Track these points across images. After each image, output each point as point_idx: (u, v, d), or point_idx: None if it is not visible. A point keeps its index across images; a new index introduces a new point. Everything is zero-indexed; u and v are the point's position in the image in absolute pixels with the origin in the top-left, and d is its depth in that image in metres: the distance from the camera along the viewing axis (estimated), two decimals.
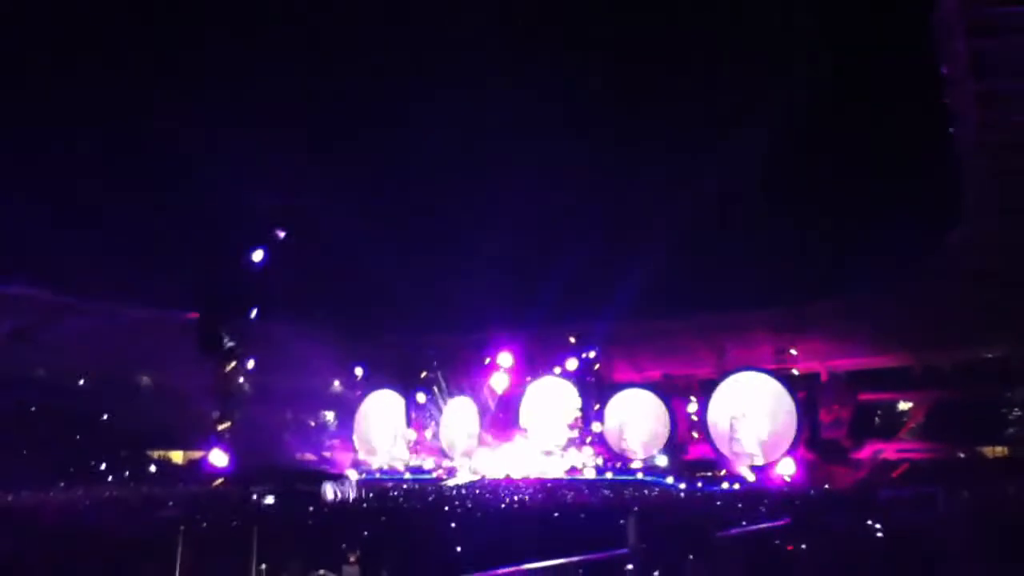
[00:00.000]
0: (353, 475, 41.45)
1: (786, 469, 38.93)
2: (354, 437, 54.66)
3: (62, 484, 34.13)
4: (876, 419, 45.53)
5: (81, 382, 45.36)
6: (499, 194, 44.05)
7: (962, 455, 38.71)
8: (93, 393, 44.69)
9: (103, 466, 40.15)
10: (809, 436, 40.94)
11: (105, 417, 44.39)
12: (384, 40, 42.81)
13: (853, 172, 40.65)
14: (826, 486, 34.41)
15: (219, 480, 30.10)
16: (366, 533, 17.37)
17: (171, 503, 26.13)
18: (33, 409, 42.29)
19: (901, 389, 44.72)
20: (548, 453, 47.71)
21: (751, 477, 39.14)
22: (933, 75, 25.00)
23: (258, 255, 32.83)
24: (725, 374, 44.81)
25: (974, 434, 39.38)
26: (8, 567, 12.27)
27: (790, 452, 39.97)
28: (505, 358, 51.32)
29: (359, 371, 54.83)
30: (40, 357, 43.57)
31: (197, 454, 41.95)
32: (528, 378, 51.73)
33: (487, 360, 51.77)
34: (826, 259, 40.02)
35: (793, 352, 43.04)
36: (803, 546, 9.67)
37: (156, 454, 46.11)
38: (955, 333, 39.48)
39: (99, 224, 38.25)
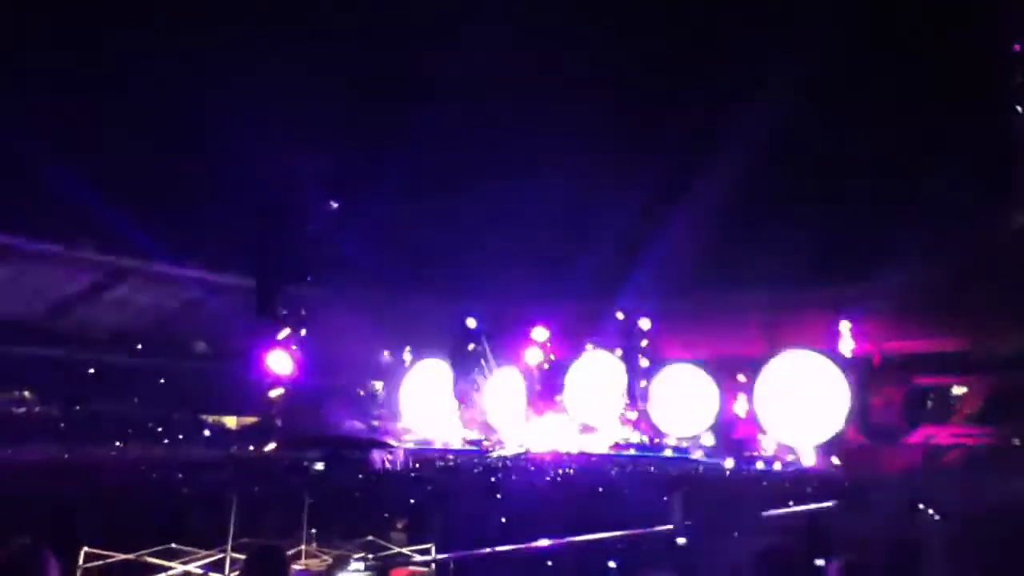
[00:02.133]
0: (400, 444, 42.04)
1: (835, 451, 38.52)
2: (401, 407, 55.32)
3: (119, 443, 35.22)
4: (929, 403, 44.69)
5: (139, 345, 46.53)
6: (547, 165, 43.77)
7: (1018, 442, 37.83)
8: (151, 356, 45.85)
9: (159, 428, 41.28)
10: (860, 419, 40.40)
11: (162, 380, 45.53)
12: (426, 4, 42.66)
13: (914, 146, 39.49)
14: (875, 469, 33.96)
15: (271, 445, 30.77)
16: (412, 501, 17.66)
17: (225, 466, 26.82)
18: (91, 371, 43.58)
19: (957, 373, 43.67)
20: (593, 428, 47.82)
21: (799, 458, 38.83)
22: (997, 50, 24.29)
23: (314, 224, 33.29)
24: (775, 353, 44.33)
25: None
26: (69, 520, 12.72)
27: (839, 434, 39.50)
28: (551, 331, 51.38)
29: (408, 343, 55.44)
30: (101, 318, 44.85)
31: (250, 419, 42.88)
32: (575, 352, 51.76)
33: (533, 333, 51.89)
34: (882, 238, 39.05)
35: (847, 333, 42.34)
36: (850, 527, 9.63)
37: (210, 418, 47.22)
38: (1015, 317, 38.44)
39: (161, 190, 38.99)
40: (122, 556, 10.84)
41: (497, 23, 39.54)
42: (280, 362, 32.70)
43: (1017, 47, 23.18)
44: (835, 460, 37.90)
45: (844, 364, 42.03)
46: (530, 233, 44.89)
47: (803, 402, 42.00)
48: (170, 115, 40.49)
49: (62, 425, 38.98)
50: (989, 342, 41.92)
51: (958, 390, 44.36)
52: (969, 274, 36.83)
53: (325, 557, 12.36)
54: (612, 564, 9.52)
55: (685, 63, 43.02)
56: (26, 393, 42.28)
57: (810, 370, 42.49)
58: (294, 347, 34.01)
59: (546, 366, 51.80)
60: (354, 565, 10.37)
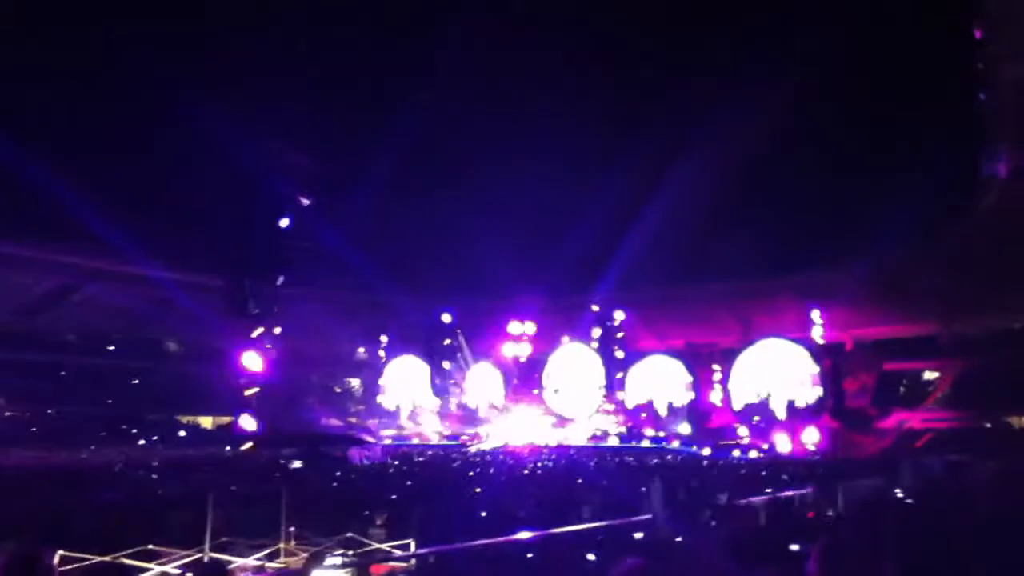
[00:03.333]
0: (378, 440, 41.97)
1: (810, 437, 38.92)
2: (378, 403, 55.25)
3: (93, 446, 34.88)
4: (902, 388, 45.30)
5: (111, 347, 46.11)
6: (521, 159, 43.75)
7: (988, 425, 38.44)
8: (124, 357, 45.45)
9: (134, 430, 40.95)
10: (833, 405, 40.88)
11: (135, 381, 45.16)
12: None
13: (880, 133, 39.84)
14: (850, 455, 34.36)
15: (248, 444, 30.60)
16: (393, 497, 17.65)
17: (201, 467, 26.62)
18: (63, 373, 43.13)
19: (928, 357, 44.27)
20: (571, 420, 48.03)
21: (775, 445, 39.20)
22: (968, 29, 24.53)
23: (284, 221, 33.04)
24: (749, 342, 44.77)
25: (1001, 404, 38.98)
26: (43, 524, 12.60)
27: (814, 421, 39.94)
28: (527, 325, 51.51)
29: (384, 338, 55.33)
30: (72, 320, 44.37)
31: (226, 419, 42.61)
32: (551, 345, 51.94)
33: (510, 328, 52.00)
34: (851, 224, 39.38)
35: (818, 320, 42.77)
36: (827, 512, 9.76)
37: (185, 419, 46.91)
38: (984, 300, 38.97)
39: (130, 188, 38.52)
40: (98, 559, 10.77)
41: (473, 13, 39.39)
42: (254, 361, 32.45)
43: (977, 33, 23.48)
44: (810, 446, 38.30)
45: (816, 351, 42.55)
46: (505, 227, 44.83)
47: (776, 390, 42.53)
48: (141, 111, 40.00)
49: (34, 429, 38.58)
50: (958, 326, 42.52)
51: (930, 374, 45.00)
52: (938, 258, 37.25)
53: (304, 555, 12.35)
54: (591, 557, 9.57)
55: (658, 60, 43.12)
56: None
57: (783, 358, 42.99)
58: (268, 345, 33.78)
59: (523, 359, 51.92)
60: (330, 561, 10.35)
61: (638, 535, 10.08)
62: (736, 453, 37.98)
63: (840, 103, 40.69)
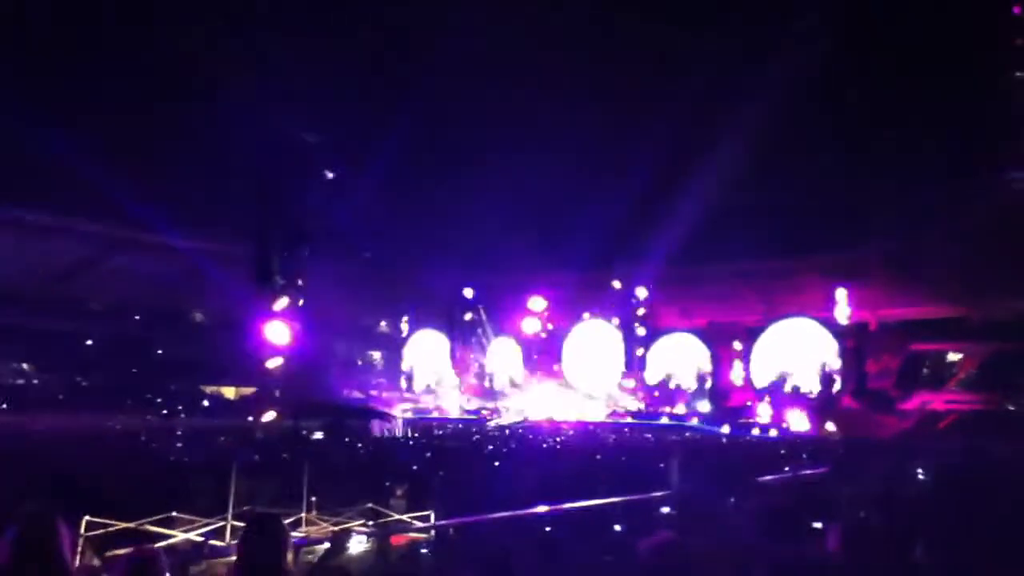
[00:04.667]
0: (399, 413, 42.21)
1: (830, 418, 38.78)
2: (399, 376, 55.55)
3: (118, 414, 35.35)
4: (925, 369, 44.87)
5: (136, 316, 46.53)
6: (543, 135, 43.50)
7: (1011, 408, 38.07)
8: (148, 326, 45.89)
9: (158, 399, 41.42)
10: (856, 386, 40.64)
11: (160, 351, 45.61)
12: None
13: (905, 108, 39.18)
14: (871, 435, 34.21)
15: (270, 415, 30.86)
16: (413, 468, 17.81)
17: (224, 436, 26.93)
18: (89, 342, 43.63)
19: (954, 339, 43.75)
20: (591, 396, 48.08)
21: (794, 425, 39.10)
22: (997, 11, 24.07)
23: (311, 193, 33.11)
24: (771, 320, 44.51)
25: None
26: (70, 490, 12.81)
27: (836, 401, 39.76)
28: (549, 301, 51.50)
29: (405, 312, 55.55)
30: (99, 289, 44.82)
31: (249, 390, 43.01)
32: (572, 321, 51.92)
33: (531, 302, 52.01)
34: (877, 204, 38.87)
35: (842, 300, 42.40)
36: (844, 491, 9.73)
37: (209, 389, 47.36)
38: (1011, 284, 38.47)
39: (155, 158, 38.72)
40: (123, 525, 10.96)
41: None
42: (278, 333, 32.64)
43: (1017, 9, 23.01)
44: (830, 426, 38.15)
45: (840, 331, 42.24)
46: (527, 203, 44.63)
47: (799, 369, 42.33)
48: (166, 83, 40.08)
49: (61, 396, 39.12)
50: (986, 307, 42.00)
51: (954, 356, 44.55)
52: (966, 238, 36.75)
53: (325, 525, 12.49)
54: (618, 528, 9.62)
55: (677, 37, 42.57)
56: (24, 365, 42.40)
57: (806, 337, 42.73)
58: (291, 318, 34.01)
59: (543, 335, 51.95)
60: (356, 538, 10.49)
61: (665, 510, 10.11)
62: (756, 432, 37.93)
63: (870, 79, 40.02)
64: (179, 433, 28.28)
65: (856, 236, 40.83)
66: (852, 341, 41.63)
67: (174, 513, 11.75)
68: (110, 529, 10.74)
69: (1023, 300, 40.66)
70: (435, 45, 43.60)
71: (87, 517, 10.67)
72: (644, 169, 42.30)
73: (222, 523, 11.62)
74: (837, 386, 41.20)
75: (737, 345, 46.23)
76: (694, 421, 42.22)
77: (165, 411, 39.08)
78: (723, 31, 40.46)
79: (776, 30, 38.94)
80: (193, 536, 11.35)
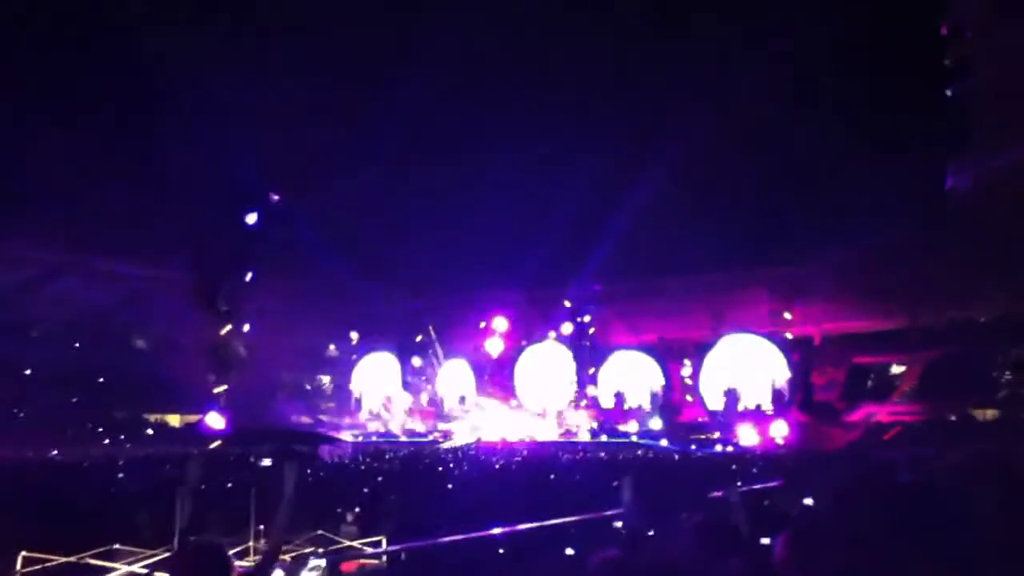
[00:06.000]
0: (349, 437, 41.72)
1: (779, 431, 39.28)
2: (349, 400, 54.97)
3: (59, 444, 34.34)
4: (870, 382, 45.75)
5: (76, 343, 45.37)
6: (492, 154, 43.68)
7: (952, 418, 38.96)
8: (90, 353, 44.76)
9: (100, 428, 40.34)
10: (802, 399, 41.24)
11: (101, 379, 44.48)
12: None
13: (851, 128, 40.17)
14: (818, 448, 34.69)
15: (216, 442, 30.29)
16: (364, 491, 17.57)
17: (168, 464, 26.30)
18: (28, 372, 42.38)
19: (896, 351, 44.75)
20: (542, 416, 48.07)
21: (744, 439, 39.50)
22: (932, 26, 24.85)
23: (252, 217, 32.68)
24: (720, 336, 45.06)
25: (966, 396, 39.50)
26: (6, 524, 12.40)
27: (783, 415, 40.30)
28: (499, 321, 51.51)
29: (354, 335, 55.03)
30: (37, 316, 43.66)
31: (193, 417, 42.16)
32: (523, 341, 51.97)
33: (482, 323, 51.96)
34: (821, 217, 39.72)
35: (788, 315, 43.12)
36: (795, 505, 9.82)
37: (153, 417, 46.31)
38: (949, 293, 39.46)
39: (97, 182, 38.00)
40: (63, 559, 10.60)
41: (453, 9, 39.16)
42: (223, 355, 32.16)
43: (943, 30, 23.82)
44: (779, 440, 38.64)
45: (786, 345, 42.92)
46: (476, 222, 44.74)
47: (746, 384, 42.87)
48: (112, 104, 39.43)
49: None
50: (925, 318, 43.05)
51: (897, 369, 45.51)
52: (905, 251, 37.67)
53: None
54: (570, 551, 9.57)
55: (631, 54, 43.15)
56: None
57: (753, 352, 43.34)
58: (236, 340, 33.52)
59: (494, 355, 51.90)
60: (313, 563, 10.30)
61: (616, 525, 10.10)
62: (707, 447, 38.23)
63: (813, 98, 40.98)
64: (122, 463, 27.53)
65: (801, 252, 41.64)
66: (798, 355, 42.33)
67: (117, 545, 11.43)
68: (48, 564, 10.40)
69: (959, 310, 41.82)
70: (388, 69, 43.67)
71: (24, 552, 10.32)
72: (591, 187, 42.70)
73: (167, 553, 11.32)
74: (785, 400, 41.78)
75: (687, 361, 46.69)
76: (645, 438, 42.41)
77: (107, 440, 38.07)
78: (672, 48, 41.18)
79: (725, 47, 39.72)
80: (137, 568, 11.04)
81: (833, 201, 39.19)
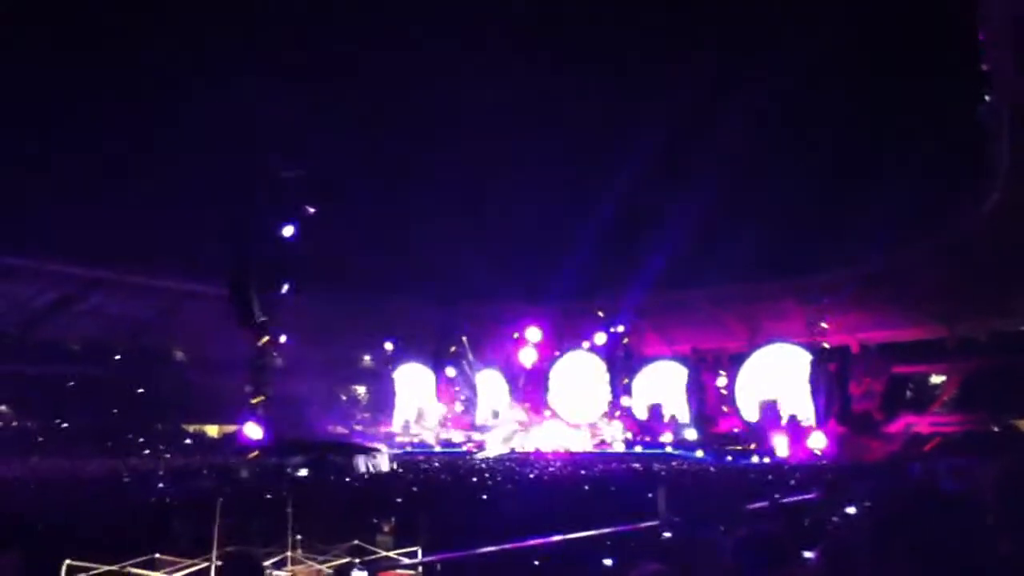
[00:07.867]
0: (384, 448, 41.81)
1: (817, 443, 38.76)
2: (384, 410, 55.17)
3: (100, 456, 34.88)
4: (909, 392, 45.09)
5: (117, 356, 46.11)
6: (526, 166, 43.81)
7: (996, 428, 38.23)
8: (128, 366, 45.44)
9: (139, 439, 40.91)
10: (840, 409, 40.69)
11: (141, 391, 45.12)
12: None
13: (885, 134, 39.75)
14: (857, 459, 34.19)
15: (254, 452, 30.53)
16: (399, 502, 17.62)
17: (207, 474, 26.59)
18: (71, 384, 43.10)
19: (934, 361, 44.08)
20: (577, 427, 47.90)
21: (781, 450, 39.04)
22: (969, 31, 24.55)
23: (288, 229, 32.96)
24: (755, 347, 44.66)
25: (1008, 407, 38.74)
26: (51, 534, 12.60)
27: (821, 426, 39.79)
28: (533, 332, 51.44)
29: (389, 345, 55.27)
30: (76, 330, 44.45)
31: (231, 428, 42.60)
32: (557, 352, 51.88)
33: (516, 334, 51.94)
34: (858, 227, 39.30)
35: (824, 324, 42.58)
36: (834, 518, 9.70)
37: (191, 427, 46.87)
38: (989, 303, 38.87)
39: (133, 198, 38.66)
40: (105, 568, 10.75)
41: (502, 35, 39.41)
42: (260, 366, 32.45)
43: (981, 36, 23.49)
44: (817, 451, 38.14)
45: (824, 355, 42.38)
46: (511, 236, 44.95)
47: (783, 394, 42.37)
48: (142, 121, 40.09)
49: (40, 439, 38.55)
50: (965, 328, 42.37)
51: (937, 378, 44.82)
52: (944, 261, 37.11)
53: (311, 563, 12.31)
54: (608, 562, 9.51)
55: (657, 59, 43.14)
56: (2, 408, 41.82)
57: (789, 363, 42.86)
58: (273, 351, 33.79)
59: (529, 366, 51.85)
60: (356, 574, 10.35)
61: (663, 536, 10.03)
62: (743, 458, 37.84)
63: (844, 105, 40.67)
64: (161, 473, 27.88)
65: (836, 260, 41.21)
66: (834, 365, 41.79)
67: (157, 555, 11.56)
68: (92, 572, 10.55)
69: (1000, 319, 41.11)
70: (415, 84, 44.04)
71: (68, 561, 10.48)
72: (625, 199, 42.65)
73: (206, 563, 11.43)
74: (821, 410, 41.23)
75: (722, 372, 46.33)
76: (680, 449, 42.08)
77: (147, 451, 38.59)
78: (698, 59, 41.10)
79: (750, 57, 39.53)
80: None
81: (869, 209, 38.75)
